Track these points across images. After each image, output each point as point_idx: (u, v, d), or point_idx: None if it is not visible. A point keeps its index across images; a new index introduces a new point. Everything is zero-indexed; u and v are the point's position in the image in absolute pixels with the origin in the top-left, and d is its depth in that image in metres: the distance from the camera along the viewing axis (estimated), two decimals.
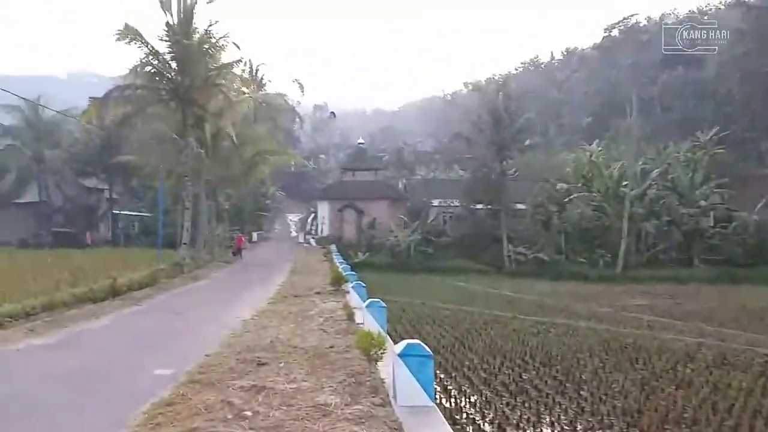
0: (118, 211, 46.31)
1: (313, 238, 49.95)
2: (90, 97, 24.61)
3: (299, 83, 57.76)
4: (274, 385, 6.37)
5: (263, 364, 7.59)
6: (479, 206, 39.35)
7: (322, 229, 49.52)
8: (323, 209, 49.57)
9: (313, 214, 62.20)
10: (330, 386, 6.24)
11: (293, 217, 72.20)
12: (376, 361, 6.25)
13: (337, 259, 25.73)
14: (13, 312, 11.52)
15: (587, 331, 16.12)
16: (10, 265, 20.90)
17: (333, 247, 35.11)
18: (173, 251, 24.05)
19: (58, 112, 36.50)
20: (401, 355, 5.14)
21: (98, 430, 5.54)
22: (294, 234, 58.92)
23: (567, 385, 10.53)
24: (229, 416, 5.35)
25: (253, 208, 50.20)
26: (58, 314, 12.42)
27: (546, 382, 10.74)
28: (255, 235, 48.91)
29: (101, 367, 7.94)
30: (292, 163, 50.39)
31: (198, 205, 26.07)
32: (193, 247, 25.59)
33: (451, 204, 42.32)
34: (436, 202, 43.76)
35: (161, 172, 25.06)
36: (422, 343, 5.31)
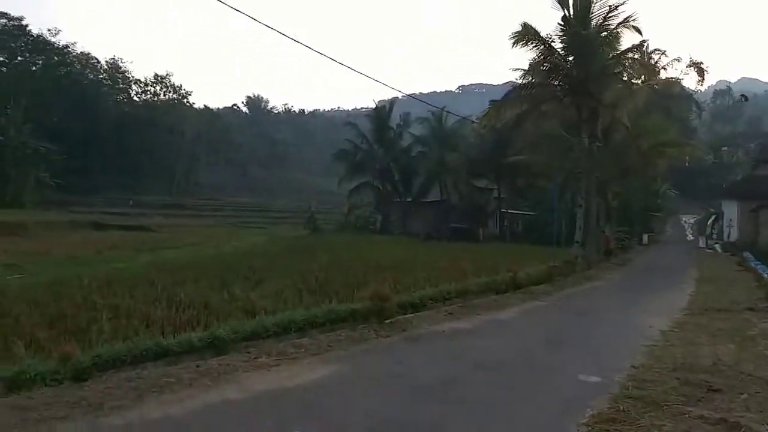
0: (504, 210, 48.87)
1: (717, 243, 42.98)
2: (490, 101, 26.31)
3: (698, 68, 50.79)
4: (749, 424, 4.93)
5: (716, 390, 6.14)
6: None
7: (728, 232, 42.19)
8: (730, 210, 42.12)
9: (714, 216, 53.85)
10: None
11: (687, 219, 64.11)
12: None
13: (763, 270, 21.03)
14: (433, 295, 12.74)
15: None
16: (425, 254, 23.90)
17: (748, 255, 29.18)
18: (558, 249, 23.64)
19: (463, 117, 40.52)
20: None
21: None
22: (690, 237, 52.05)
23: None
24: None
25: (642, 208, 46.20)
26: (468, 301, 13.20)
27: None
28: (645, 237, 44.91)
29: (521, 361, 7.77)
30: (687, 157, 44.38)
31: (589, 203, 25.03)
32: (583, 246, 24.70)
33: None
34: None
35: (554, 170, 24.91)
36: None
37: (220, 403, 5.31)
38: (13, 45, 62.57)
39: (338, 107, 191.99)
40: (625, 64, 22.90)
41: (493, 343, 8.97)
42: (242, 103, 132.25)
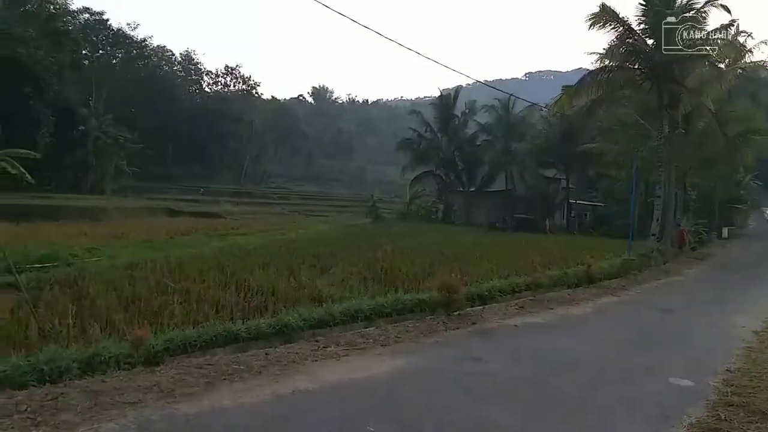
0: (573, 201, 47.13)
1: None
2: (563, 86, 25.20)
3: None
4: None
5: None
6: None
7: None
8: None
9: None
10: None
11: None
12: None
13: None
14: (502, 287, 12.26)
15: None
16: (491, 244, 23.31)
17: None
18: (628, 242, 22.37)
19: (531, 103, 39.19)
20: None
21: None
22: None
23: None
24: None
25: (723, 200, 43.41)
26: (540, 294, 12.65)
27: None
28: (725, 231, 42.26)
29: (604, 361, 7.23)
30: None
31: (668, 194, 23.58)
32: (659, 239, 23.36)
33: None
34: None
35: (631, 159, 23.53)
36: None
37: (290, 394, 5.15)
38: (94, 39, 65.57)
39: (401, 97, 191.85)
40: (712, 46, 21.26)
41: (572, 340, 8.44)
42: (308, 93, 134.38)
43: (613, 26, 21.24)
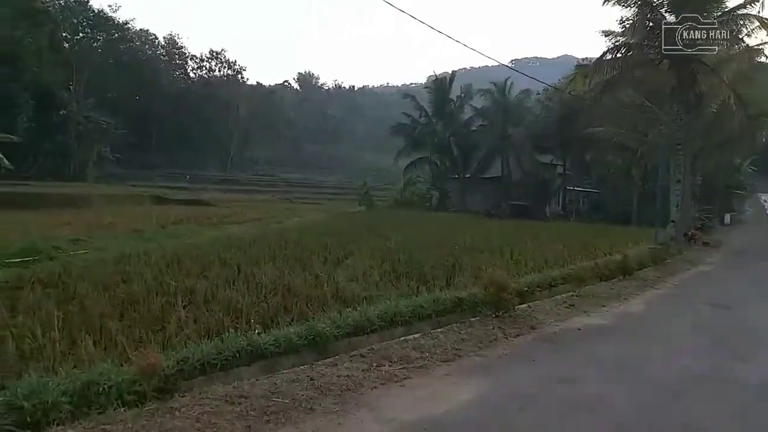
0: (570, 187, 46.12)
1: None
2: (576, 66, 23.99)
3: None
4: None
5: None
6: None
7: None
8: None
9: None
10: None
11: (767, 197, 59.58)
12: None
13: None
14: (540, 282, 11.04)
15: None
16: (500, 233, 22.12)
17: None
18: (639, 229, 21.44)
19: (542, 83, 37.69)
20: None
21: None
22: None
23: None
24: None
25: (725, 186, 42.71)
26: (579, 289, 11.45)
27: None
28: (728, 217, 41.60)
29: (717, 379, 5.89)
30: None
31: (685, 179, 22.54)
32: (674, 227, 22.36)
33: None
34: None
35: (662, 147, 22.29)
36: None
37: None
38: (75, 21, 62.86)
39: (387, 83, 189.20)
40: (738, 21, 20.09)
41: (652, 348, 7.13)
42: (294, 79, 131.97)
43: (630, 2, 19.97)
